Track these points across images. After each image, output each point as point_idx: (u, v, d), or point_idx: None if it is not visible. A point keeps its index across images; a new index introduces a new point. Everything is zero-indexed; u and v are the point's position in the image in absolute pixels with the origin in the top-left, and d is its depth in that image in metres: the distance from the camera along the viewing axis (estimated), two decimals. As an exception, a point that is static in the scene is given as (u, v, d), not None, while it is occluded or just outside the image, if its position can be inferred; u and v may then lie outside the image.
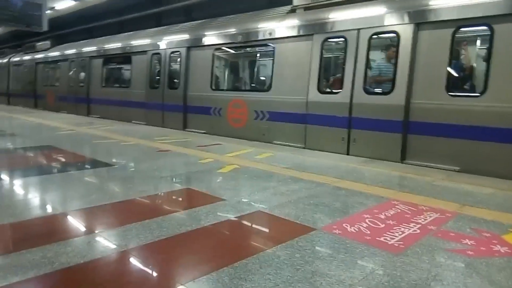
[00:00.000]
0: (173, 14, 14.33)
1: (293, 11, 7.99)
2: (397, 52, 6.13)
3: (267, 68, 9.14)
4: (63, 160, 6.08)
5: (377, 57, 6.96)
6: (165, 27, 12.44)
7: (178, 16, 13.97)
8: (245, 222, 3.30)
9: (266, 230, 3.29)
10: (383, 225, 3.17)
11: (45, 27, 11.72)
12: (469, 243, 2.84)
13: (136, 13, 15.00)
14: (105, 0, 15.34)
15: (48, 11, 14.59)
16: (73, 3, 16.20)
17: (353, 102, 6.55)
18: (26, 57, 19.18)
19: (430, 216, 3.43)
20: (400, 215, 3.44)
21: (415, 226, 3.18)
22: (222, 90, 9.70)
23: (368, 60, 6.50)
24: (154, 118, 10.75)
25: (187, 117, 9.94)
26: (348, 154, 6.62)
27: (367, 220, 3.28)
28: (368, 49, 6.46)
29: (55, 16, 18.23)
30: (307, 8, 7.72)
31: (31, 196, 3.95)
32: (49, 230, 3.00)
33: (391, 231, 3.05)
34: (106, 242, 2.78)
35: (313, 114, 7.10)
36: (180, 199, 4.15)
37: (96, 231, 2.98)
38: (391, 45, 6.40)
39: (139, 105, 11.37)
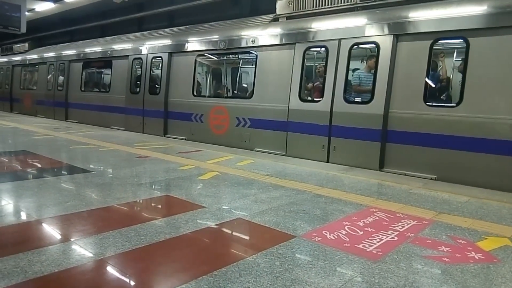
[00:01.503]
0: (155, 19, 14.23)
1: (276, 19, 8.08)
2: (376, 62, 6.25)
3: (249, 75, 9.19)
4: (39, 165, 5.92)
5: (358, 67, 7.10)
6: (147, 32, 12.36)
7: (161, 22, 13.89)
8: (225, 230, 3.28)
9: (246, 237, 3.27)
10: (361, 232, 3.21)
11: (23, 29, 11.44)
12: (445, 250, 2.90)
13: (118, 17, 14.83)
14: (87, 3, 15.10)
15: (28, 13, 14.27)
16: (54, 5, 15.87)
17: (333, 111, 6.63)
18: (2, 60, 18.69)
19: (408, 224, 3.49)
20: (379, 223, 3.49)
21: (393, 233, 3.23)
22: (204, 96, 9.67)
23: (348, 69, 6.60)
24: (134, 124, 10.63)
25: (167, 123, 9.86)
26: (328, 161, 6.68)
27: (346, 228, 3.31)
28: (349, 59, 6.57)
29: (35, 18, 17.82)
30: (289, 17, 7.81)
31: (4, 203, 3.82)
32: (23, 238, 2.91)
33: (370, 238, 3.09)
34: (82, 251, 2.71)
35: (294, 122, 7.15)
36: (159, 206, 4.09)
37: (72, 239, 2.90)
38: (371, 56, 6.53)
39: (118, 110, 11.22)
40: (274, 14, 8.10)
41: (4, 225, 3.15)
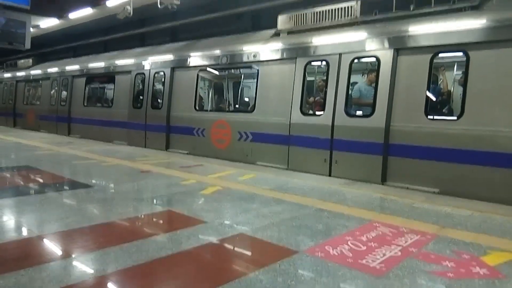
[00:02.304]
0: (158, 35, 14.41)
1: (277, 34, 8.17)
2: (377, 76, 6.29)
3: (251, 89, 9.24)
4: (41, 181, 5.93)
5: (358, 80, 7.14)
6: (150, 47, 12.48)
7: (163, 37, 14.05)
8: (227, 245, 3.26)
9: (248, 253, 3.25)
10: (364, 248, 3.18)
11: (28, 45, 11.57)
12: (449, 265, 2.87)
13: (121, 33, 15.03)
14: (90, 19, 15.33)
15: (33, 29, 14.48)
16: (58, 21, 16.12)
17: (334, 124, 6.65)
18: (6, 75, 18.86)
19: (411, 238, 3.46)
20: (382, 237, 3.46)
21: (396, 248, 3.20)
22: (206, 111, 9.73)
23: (349, 83, 6.65)
24: (136, 138, 10.66)
25: (169, 137, 9.88)
26: (330, 175, 6.66)
27: (349, 243, 3.28)
28: (350, 73, 6.61)
29: (39, 34, 18.08)
30: (290, 32, 7.90)
31: (6, 219, 3.81)
32: (24, 254, 2.89)
33: (373, 253, 3.06)
34: (83, 267, 2.70)
35: (296, 136, 7.16)
36: (161, 221, 4.08)
37: (73, 255, 2.89)
38: (372, 70, 6.57)
39: (121, 125, 11.27)
40: (275, 29, 8.20)
41: (6, 241, 3.14)
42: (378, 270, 2.74)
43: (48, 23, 16.42)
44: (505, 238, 3.54)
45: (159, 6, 10.16)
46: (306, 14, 7.62)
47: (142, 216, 4.15)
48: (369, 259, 2.93)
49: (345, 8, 7.06)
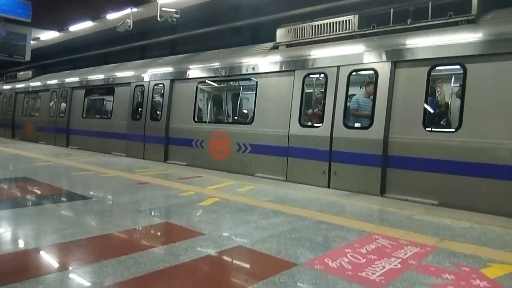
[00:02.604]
0: (158, 47, 14.54)
1: (275, 47, 8.24)
2: (375, 88, 6.33)
3: (249, 101, 9.27)
4: (38, 192, 5.90)
5: (356, 93, 7.19)
6: (149, 59, 12.56)
7: (163, 50, 14.17)
8: (225, 258, 3.23)
9: (247, 265, 3.22)
10: (364, 260, 3.16)
11: (28, 57, 11.66)
12: (449, 278, 2.85)
13: (121, 46, 15.16)
14: (90, 32, 15.47)
15: (33, 42, 14.59)
16: (59, 34, 16.27)
17: (333, 136, 6.67)
18: (5, 87, 18.93)
19: (410, 250, 3.44)
20: (381, 250, 3.44)
21: (396, 260, 3.18)
22: (205, 122, 9.75)
23: (347, 95, 6.68)
24: (135, 150, 10.66)
25: (168, 149, 9.89)
26: (329, 187, 6.65)
27: (348, 255, 3.26)
28: (348, 85, 6.65)
29: (39, 47, 18.23)
30: (289, 45, 7.98)
31: (2, 231, 3.78)
32: (20, 267, 2.86)
33: (373, 265, 3.04)
34: (80, 280, 2.67)
35: (295, 147, 7.17)
36: (159, 233, 4.05)
37: (70, 268, 2.86)
38: (370, 82, 6.62)
39: (119, 137, 11.28)
40: (274, 42, 8.28)
41: (2, 253, 3.11)
42: (378, 283, 2.72)
43: (48, 35, 16.57)
44: (505, 251, 3.53)
45: (159, 19, 10.28)
46: (304, 27, 7.73)
47: (140, 228, 4.12)
48: (369, 272, 2.91)
49: (343, 21, 7.17)
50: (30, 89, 16.81)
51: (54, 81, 15.20)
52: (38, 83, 16.35)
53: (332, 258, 3.17)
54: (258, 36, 11.13)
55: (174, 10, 10.24)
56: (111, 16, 12.81)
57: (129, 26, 11.47)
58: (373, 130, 6.23)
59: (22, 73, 18.34)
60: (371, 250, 3.41)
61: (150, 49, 15.09)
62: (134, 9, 11.66)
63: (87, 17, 13.69)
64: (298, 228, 4.06)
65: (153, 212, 4.69)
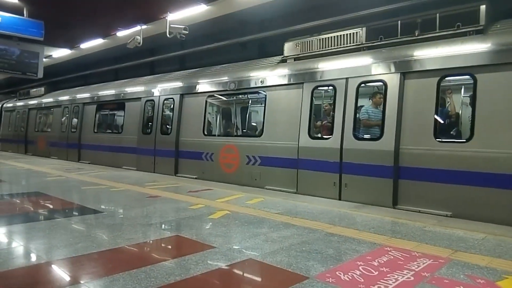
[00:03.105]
0: (167, 63, 14.75)
1: (283, 61, 8.27)
2: (385, 99, 6.33)
3: (258, 114, 9.28)
4: (50, 207, 5.96)
5: (366, 104, 7.18)
6: (159, 75, 12.72)
7: (172, 65, 14.37)
8: (236, 271, 3.21)
9: (258, 279, 3.20)
10: (376, 273, 3.12)
11: (40, 74, 11.94)
12: (464, 291, 2.79)
13: (131, 62, 15.42)
14: (101, 49, 15.80)
15: (45, 59, 14.93)
16: (70, 51, 16.65)
17: (343, 148, 6.64)
18: (19, 103, 19.31)
19: (423, 263, 3.38)
20: (393, 262, 3.39)
21: (409, 273, 3.13)
22: (215, 135, 9.80)
23: (356, 107, 6.68)
24: (145, 164, 10.73)
25: (178, 162, 9.94)
26: (340, 199, 6.60)
27: (360, 268, 3.22)
28: (357, 97, 6.67)
29: (51, 64, 18.63)
30: (297, 58, 8.03)
31: (15, 245, 3.82)
32: (33, 281, 2.89)
33: (385, 278, 3.00)
34: (91, 293, 2.67)
35: (304, 159, 7.16)
36: (169, 247, 4.05)
37: (82, 281, 2.87)
38: (379, 93, 6.62)
39: (130, 151, 11.39)
40: (282, 56, 8.33)
41: (15, 267, 3.14)
42: (391, 296, 2.67)
43: (60, 53, 16.95)
44: (521, 262, 3.45)
45: (168, 35, 10.47)
46: (312, 41, 7.79)
47: (151, 241, 4.13)
48: (381, 285, 2.87)
49: (351, 34, 7.20)
50: (43, 105, 17.14)
51: (66, 97, 15.48)
52: (50, 99, 16.67)
53: (343, 271, 3.13)
54: (265, 50, 11.23)
55: (183, 26, 10.43)
56: (121, 33, 13.07)
57: (139, 43, 11.69)
58: (384, 141, 6.20)
59: (34, 90, 18.73)
60: (383, 263, 3.36)
61: (159, 64, 15.32)
62: (144, 26, 11.90)
63: (98, 35, 13.99)
64: (308, 240, 4.03)
65: (163, 226, 4.70)
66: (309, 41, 7.84)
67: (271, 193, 7.20)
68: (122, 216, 5.20)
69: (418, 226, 4.79)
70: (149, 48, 14.21)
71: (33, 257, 3.52)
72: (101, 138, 13.05)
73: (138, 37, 11.65)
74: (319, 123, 7.65)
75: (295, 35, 8.48)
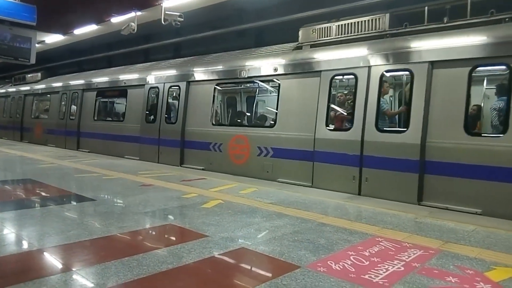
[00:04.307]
0: (161, 50, 14.61)
1: (298, 48, 7.87)
2: (411, 89, 5.98)
3: (271, 103, 8.91)
4: (42, 194, 5.93)
5: (390, 94, 6.68)
6: (164, 61, 12.12)
7: (166, 53, 14.24)
8: (228, 260, 3.23)
9: (250, 267, 3.22)
10: (367, 262, 3.15)
11: (33, 60, 11.75)
12: (452, 281, 2.83)
13: (125, 49, 15.25)
14: (95, 35, 15.60)
15: (38, 45, 14.69)
16: (63, 37, 16.41)
17: (364, 140, 6.33)
18: (13, 89, 18.85)
19: (414, 253, 3.42)
20: (384, 252, 3.43)
21: (399, 263, 3.17)
22: (224, 125, 9.41)
23: (380, 97, 6.36)
24: (149, 153, 10.36)
25: (184, 152, 9.60)
26: (359, 194, 6.33)
27: (351, 257, 3.25)
28: (380, 87, 6.34)
29: (44, 50, 18.36)
30: (313, 45, 7.60)
31: (6, 232, 3.80)
32: (24, 268, 2.88)
33: (376, 268, 3.03)
34: (83, 281, 2.68)
35: (321, 152, 6.83)
36: (162, 235, 4.06)
37: (74, 269, 2.87)
38: (405, 83, 6.28)
39: (132, 140, 11.00)
40: (297, 43, 7.91)
41: (6, 254, 3.13)
42: (381, 286, 2.71)
43: (53, 38, 16.70)
44: (510, 254, 3.50)
45: (163, 22, 10.33)
46: (330, 27, 7.38)
47: (143, 230, 4.13)
48: (372, 274, 2.90)
49: (373, 20, 6.84)
50: (40, 91, 16.60)
51: (64, 83, 15.05)
52: (47, 85, 16.18)
53: (335, 261, 3.16)
54: (263, 39, 11.16)
55: (178, 13, 10.29)
56: (116, 19, 12.88)
57: (133, 30, 11.53)
58: (409, 133, 5.88)
59: (31, 75, 18.16)
60: (374, 253, 3.40)
61: (154, 52, 15.17)
62: (138, 13, 11.73)
63: (91, 20, 13.79)
64: (301, 230, 4.06)
65: (156, 214, 4.70)
66: (327, 27, 7.41)
67: (264, 183, 7.19)
68: (114, 204, 5.20)
69: (410, 217, 4.84)
70: (143, 35, 14.05)
71: (25, 244, 3.50)
72: (101, 126, 12.61)
73: (133, 24, 11.49)
74: (337, 113, 7.18)
75: (297, 23, 8.25)
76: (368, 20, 6.89)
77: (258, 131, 8.25)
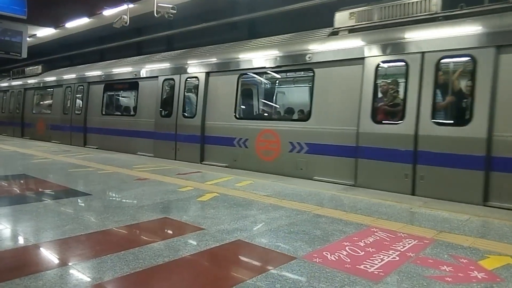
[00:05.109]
0: (153, 43, 14.51)
1: (334, 33, 7.27)
2: (473, 78, 5.46)
3: (304, 95, 8.44)
4: (37, 189, 5.89)
5: (446, 82, 6.08)
6: (179, 51, 11.34)
7: (159, 46, 14.14)
8: (224, 252, 3.24)
9: (246, 259, 3.24)
10: (362, 253, 3.18)
11: (24, 54, 11.63)
12: (447, 270, 2.86)
13: (117, 42, 15.10)
14: (87, 28, 15.44)
15: (29, 39, 14.50)
16: (55, 31, 16.21)
17: (418, 134, 5.80)
18: (13, 83, 17.96)
19: (409, 243, 3.46)
20: (379, 242, 3.46)
21: (394, 253, 3.20)
22: (249, 119, 8.62)
23: (436, 86, 5.80)
24: (165, 150, 9.77)
25: (204, 148, 9.01)
26: (413, 194, 5.81)
27: (347, 248, 3.28)
28: (436, 75, 5.77)
29: (37, 43, 18.12)
30: (352, 30, 7.01)
31: (1, 227, 3.78)
32: (20, 263, 2.87)
33: (371, 258, 3.06)
34: (80, 275, 2.67)
35: (366, 147, 6.29)
36: (158, 229, 4.05)
37: (70, 263, 2.86)
38: (466, 71, 5.74)
39: (146, 135, 10.37)
40: (333, 28, 7.28)
41: (1, 250, 3.12)
42: (376, 275, 2.73)
43: (44, 32, 16.49)
44: (503, 242, 3.55)
45: (155, 15, 10.23)
46: (371, 10, 6.76)
47: (139, 223, 4.12)
48: (367, 265, 2.93)
49: (421, 2, 6.23)
50: (41, 85, 15.73)
51: (68, 76, 14.20)
52: (49, 78, 15.30)
53: (330, 251, 3.18)
54: (256, 31, 11.10)
55: (171, 5, 10.18)
56: (108, 12, 12.76)
57: (126, 22, 11.40)
58: (472, 126, 5.34)
59: (30, 68, 17.33)
60: (370, 243, 3.42)
61: (147, 45, 15.06)
62: (131, 5, 11.62)
63: (83, 13, 13.65)
64: (296, 222, 4.08)
65: (152, 208, 4.69)
66: (368, 10, 6.79)
67: (259, 175, 7.20)
68: (110, 198, 5.18)
69: (405, 207, 4.88)
70: (136, 28, 13.95)
71: (20, 240, 3.49)
72: (110, 121, 11.84)
73: (125, 17, 11.36)
74: (385, 105, 6.49)
75: (284, 16, 8.18)
76: (416, 2, 6.28)
77: (289, 125, 7.64)
